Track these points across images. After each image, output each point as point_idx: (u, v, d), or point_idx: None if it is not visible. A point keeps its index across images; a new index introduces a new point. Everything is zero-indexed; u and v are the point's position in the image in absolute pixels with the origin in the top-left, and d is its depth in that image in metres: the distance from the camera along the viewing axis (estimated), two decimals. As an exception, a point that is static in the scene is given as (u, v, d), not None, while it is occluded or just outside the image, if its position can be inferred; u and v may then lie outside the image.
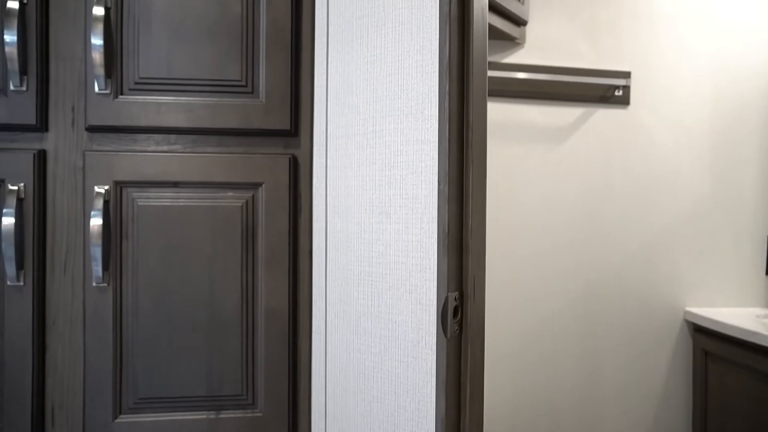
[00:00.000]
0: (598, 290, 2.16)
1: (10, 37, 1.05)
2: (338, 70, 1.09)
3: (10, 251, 1.04)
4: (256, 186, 1.13)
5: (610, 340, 2.18)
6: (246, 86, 1.13)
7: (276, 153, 1.15)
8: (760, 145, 2.26)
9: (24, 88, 1.07)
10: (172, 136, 1.13)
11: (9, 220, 1.05)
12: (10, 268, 1.05)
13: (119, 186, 1.10)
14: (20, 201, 1.07)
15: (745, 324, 1.97)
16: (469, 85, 0.88)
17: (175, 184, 1.11)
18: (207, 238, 1.11)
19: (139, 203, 1.10)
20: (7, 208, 1.05)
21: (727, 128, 2.24)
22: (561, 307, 2.14)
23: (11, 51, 1.05)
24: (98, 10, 1.08)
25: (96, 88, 1.09)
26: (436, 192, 0.88)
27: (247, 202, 1.13)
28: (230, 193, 1.13)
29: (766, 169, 2.27)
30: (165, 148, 1.12)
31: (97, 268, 1.06)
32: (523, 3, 1.98)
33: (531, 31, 2.09)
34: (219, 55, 1.12)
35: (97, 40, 1.07)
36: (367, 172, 1.01)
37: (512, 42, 2.06)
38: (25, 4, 1.08)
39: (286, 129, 1.14)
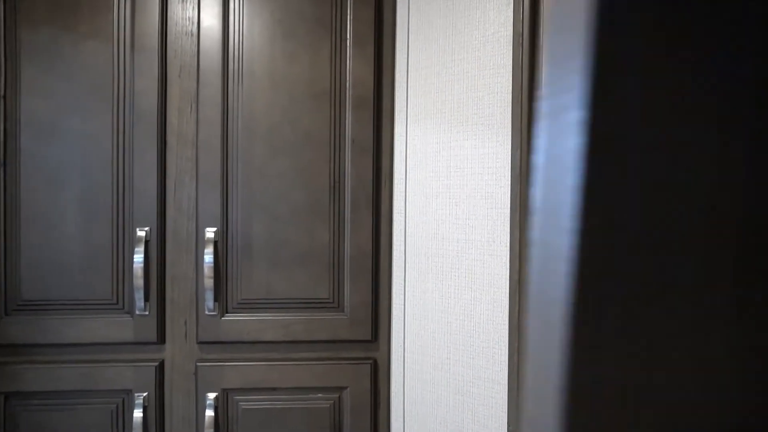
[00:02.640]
0: None
1: (138, 261, 1.24)
2: (415, 296, 1.25)
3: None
4: (341, 389, 1.31)
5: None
6: (333, 303, 1.31)
7: (359, 358, 1.32)
8: None
9: (147, 312, 1.26)
10: (271, 345, 1.31)
11: (137, 423, 1.25)
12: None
13: (226, 392, 1.29)
14: (144, 408, 1.27)
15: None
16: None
17: (273, 389, 1.29)
18: (301, 439, 1.30)
19: (243, 406, 1.30)
20: (135, 416, 1.25)
21: None
22: None
23: (138, 272, 1.23)
24: (208, 242, 1.25)
25: (206, 310, 1.27)
26: None
27: (334, 403, 1.31)
28: (320, 395, 1.31)
29: None
30: (265, 355, 1.31)
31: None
32: None
33: None
34: (310, 278, 1.29)
35: (207, 265, 1.25)
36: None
37: None
38: (148, 241, 1.26)
39: (368, 339, 1.31)
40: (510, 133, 1.09)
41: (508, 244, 1.11)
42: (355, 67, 1.29)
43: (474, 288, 1.16)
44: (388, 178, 1.32)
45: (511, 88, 1.08)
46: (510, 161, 1.10)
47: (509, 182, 1.10)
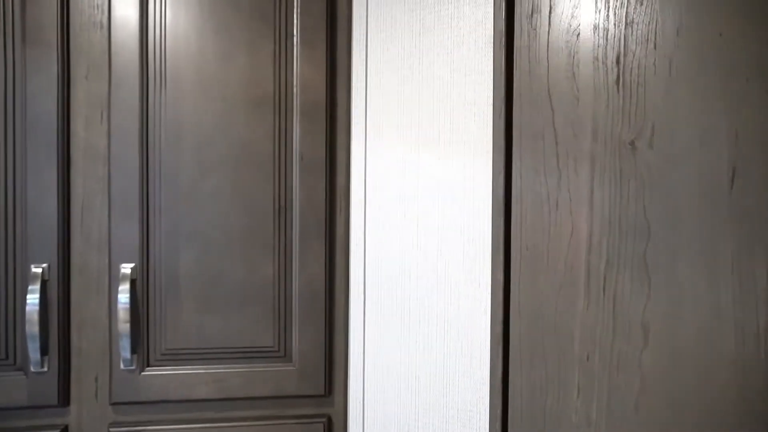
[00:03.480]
0: None
1: (32, 304, 1.00)
2: (375, 348, 1.06)
3: None
4: (289, 453, 1.10)
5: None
6: (278, 351, 1.10)
7: (310, 416, 1.11)
8: None
9: (45, 368, 1.02)
10: (203, 403, 1.09)
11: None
12: None
13: (147, 462, 1.06)
14: (43, 487, 1.03)
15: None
16: None
17: (205, 457, 1.07)
18: None
19: (168, 478, 1.07)
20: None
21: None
22: None
23: (32, 318, 1.00)
24: (124, 279, 1.03)
25: (122, 364, 1.04)
26: None
27: (280, 470, 1.10)
28: (262, 461, 1.10)
29: None
30: (195, 416, 1.09)
31: None
32: None
33: None
34: (251, 321, 1.08)
35: (123, 308, 1.03)
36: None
37: None
38: (47, 280, 1.02)
39: (321, 393, 1.11)
40: (491, 152, 0.91)
41: (489, 287, 0.93)
42: (303, 69, 1.08)
43: (447, 337, 0.97)
44: (343, 202, 1.12)
45: (491, 97, 0.89)
46: (491, 187, 0.91)
47: (490, 212, 0.92)
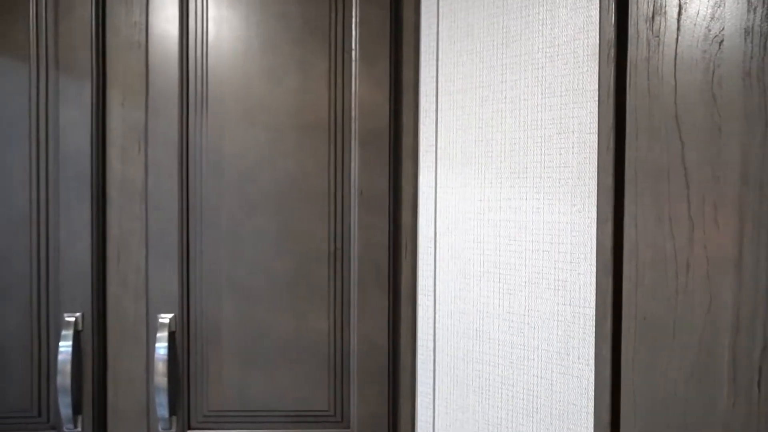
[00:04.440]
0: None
1: (64, 355, 0.90)
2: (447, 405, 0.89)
3: None
4: None
5: None
6: (335, 416, 0.95)
7: (369, 492, 0.96)
8: None
9: (78, 428, 0.92)
10: (247, 473, 0.96)
11: None
12: None
13: None
14: None
15: None
16: None
17: None
18: None
19: None
20: None
21: None
22: None
23: (65, 371, 0.90)
24: (162, 329, 0.91)
25: (159, 427, 0.92)
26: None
27: None
28: None
29: None
30: (238, 488, 0.96)
31: None
32: None
33: None
34: (301, 381, 0.93)
35: (161, 365, 0.91)
36: None
37: None
38: (80, 330, 0.92)
39: (383, 466, 0.95)
40: (595, 192, 0.72)
41: (592, 362, 0.74)
42: (362, 89, 0.93)
43: (537, 418, 0.79)
44: (409, 245, 0.95)
45: (596, 125, 0.70)
46: (594, 236, 0.72)
47: (593, 267, 0.73)
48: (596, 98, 0.71)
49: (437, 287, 0.92)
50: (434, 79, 0.90)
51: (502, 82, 0.81)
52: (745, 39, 0.59)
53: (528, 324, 0.80)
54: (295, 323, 0.95)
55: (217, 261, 0.95)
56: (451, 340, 0.90)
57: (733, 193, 0.61)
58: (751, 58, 0.58)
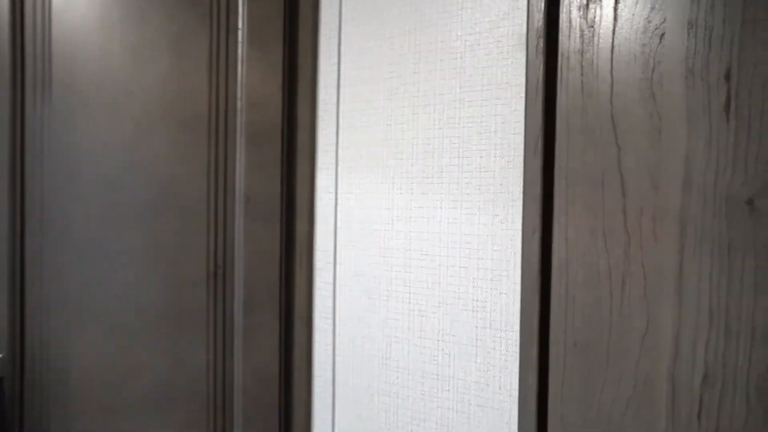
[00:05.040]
0: None
1: None
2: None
3: None
4: None
5: None
6: (215, 466, 0.80)
7: None
8: None
9: None
10: None
11: None
12: None
13: None
14: None
15: None
16: None
17: None
18: None
19: None
20: None
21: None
22: None
23: None
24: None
25: (-17, 497, 0.72)
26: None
27: None
28: None
29: None
30: None
31: None
32: None
33: None
34: (177, 430, 0.78)
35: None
36: None
37: None
38: None
39: None
40: (520, 201, 0.64)
41: (515, 393, 0.66)
42: (251, 77, 0.79)
43: (454, 460, 0.69)
44: (305, 260, 0.82)
45: (523, 125, 0.62)
46: (519, 250, 0.64)
47: (517, 286, 0.65)
48: (523, 94, 0.62)
49: (337, 308, 0.80)
50: (335, 66, 0.78)
51: (414, 72, 0.71)
52: (688, 33, 0.53)
53: (442, 350, 0.70)
54: (169, 359, 0.79)
55: (66, 286, 0.76)
56: (353, 369, 0.78)
57: (674, 203, 0.55)
58: (695, 54, 0.52)
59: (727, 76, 0.51)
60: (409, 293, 0.72)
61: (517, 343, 0.66)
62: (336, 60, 0.78)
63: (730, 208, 0.52)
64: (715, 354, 0.53)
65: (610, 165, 0.57)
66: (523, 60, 0.62)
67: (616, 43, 0.56)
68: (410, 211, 0.71)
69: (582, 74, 0.58)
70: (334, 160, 0.79)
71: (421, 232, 0.71)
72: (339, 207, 0.79)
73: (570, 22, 0.59)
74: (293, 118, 0.82)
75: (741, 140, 0.51)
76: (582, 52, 0.58)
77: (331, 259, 0.80)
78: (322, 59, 0.80)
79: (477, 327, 0.68)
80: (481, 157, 0.66)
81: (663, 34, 0.54)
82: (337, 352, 0.80)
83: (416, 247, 0.71)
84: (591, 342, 0.59)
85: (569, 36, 0.59)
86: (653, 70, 0.55)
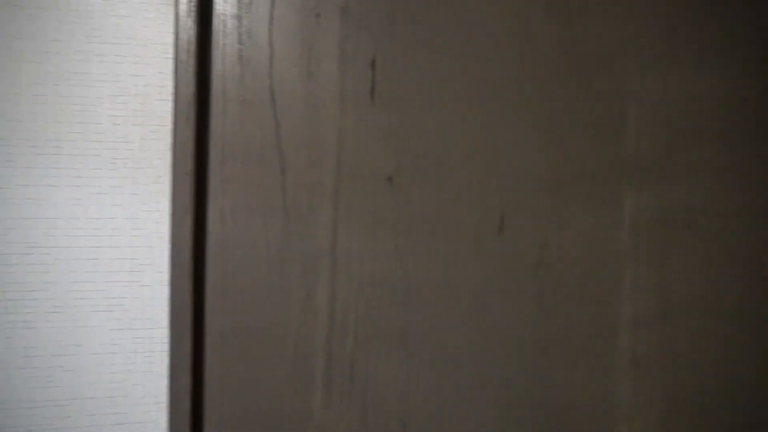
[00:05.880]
0: None
1: None
2: None
3: None
4: None
5: None
6: None
7: None
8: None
9: None
10: None
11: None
12: None
13: None
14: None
15: None
16: None
17: None
18: None
19: None
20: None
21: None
22: None
23: None
24: None
25: None
26: None
27: None
28: None
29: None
30: None
31: None
32: None
33: None
34: None
35: None
36: None
37: None
38: None
39: None
40: (168, 177, 0.56)
41: (162, 399, 0.58)
42: None
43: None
44: None
45: (170, 89, 0.55)
46: (167, 234, 0.57)
47: (164, 275, 0.57)
48: (170, 55, 0.55)
49: None
50: None
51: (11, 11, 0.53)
52: (341, 17, 0.56)
53: (60, 367, 0.56)
54: None
55: None
56: None
57: (329, 180, 0.57)
58: (347, 37, 0.56)
59: (372, 64, 0.56)
60: (15, 299, 0.54)
61: (165, 340, 0.57)
62: None
63: (374, 185, 0.57)
64: (365, 314, 0.58)
65: (270, 140, 0.56)
66: (171, 16, 0.54)
67: (276, 14, 0.55)
68: (12, 190, 0.53)
69: (240, 42, 0.55)
70: None
71: (25, 219, 0.54)
72: None
73: (226, -18, 0.54)
74: None
75: (383, 124, 0.57)
76: (239, 18, 0.54)
77: None
78: None
79: (112, 330, 0.56)
80: (115, 124, 0.55)
81: (319, 15, 0.56)
82: None
83: (20, 237, 0.54)
84: (252, 326, 0.57)
85: (225, -2, 0.54)
86: (310, 49, 0.56)
